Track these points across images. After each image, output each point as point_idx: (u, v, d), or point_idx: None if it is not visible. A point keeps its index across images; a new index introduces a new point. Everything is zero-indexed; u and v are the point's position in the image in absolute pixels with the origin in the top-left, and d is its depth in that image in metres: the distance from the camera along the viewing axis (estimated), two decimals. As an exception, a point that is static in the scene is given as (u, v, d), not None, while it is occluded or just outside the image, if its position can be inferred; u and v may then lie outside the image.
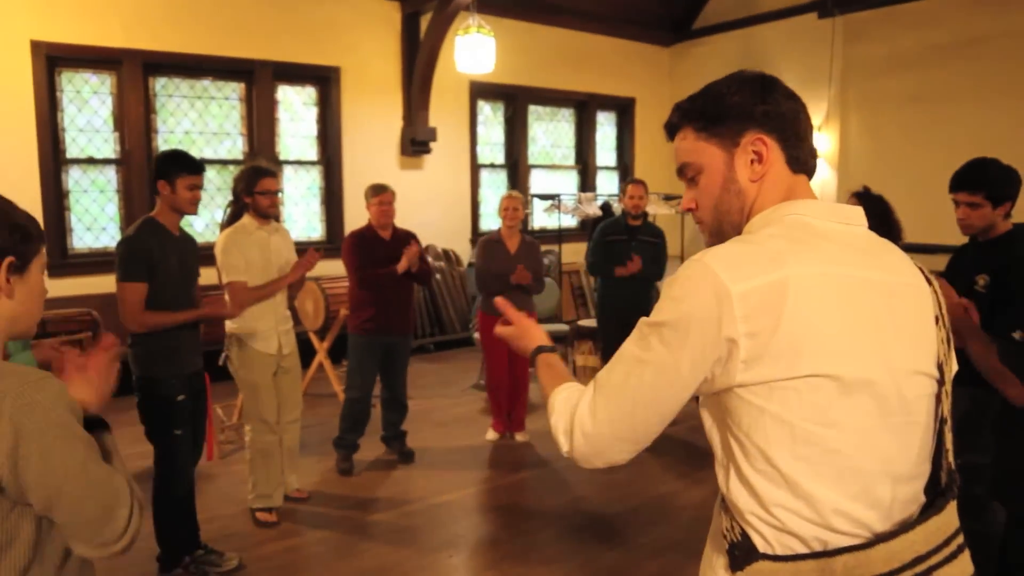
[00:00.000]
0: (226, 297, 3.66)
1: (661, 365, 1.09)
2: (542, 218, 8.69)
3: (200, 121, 6.65)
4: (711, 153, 1.21)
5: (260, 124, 6.85)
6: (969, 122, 6.74)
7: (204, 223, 6.58)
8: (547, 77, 8.68)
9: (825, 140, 7.98)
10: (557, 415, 1.24)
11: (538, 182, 9.02)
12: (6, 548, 1.19)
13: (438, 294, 7.74)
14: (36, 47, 5.66)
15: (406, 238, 4.57)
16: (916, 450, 1.11)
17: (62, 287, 5.56)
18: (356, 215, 6.38)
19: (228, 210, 3.85)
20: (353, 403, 4.50)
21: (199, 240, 3.71)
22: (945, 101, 7.02)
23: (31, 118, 5.69)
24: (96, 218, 6.19)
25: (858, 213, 1.18)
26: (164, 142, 6.43)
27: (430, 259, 7.74)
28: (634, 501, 4.08)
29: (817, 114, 7.97)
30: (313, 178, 7.35)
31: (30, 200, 5.32)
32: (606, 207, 8.15)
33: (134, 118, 6.18)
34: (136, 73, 6.14)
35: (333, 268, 6.04)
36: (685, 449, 4.87)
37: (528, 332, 1.51)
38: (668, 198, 8.47)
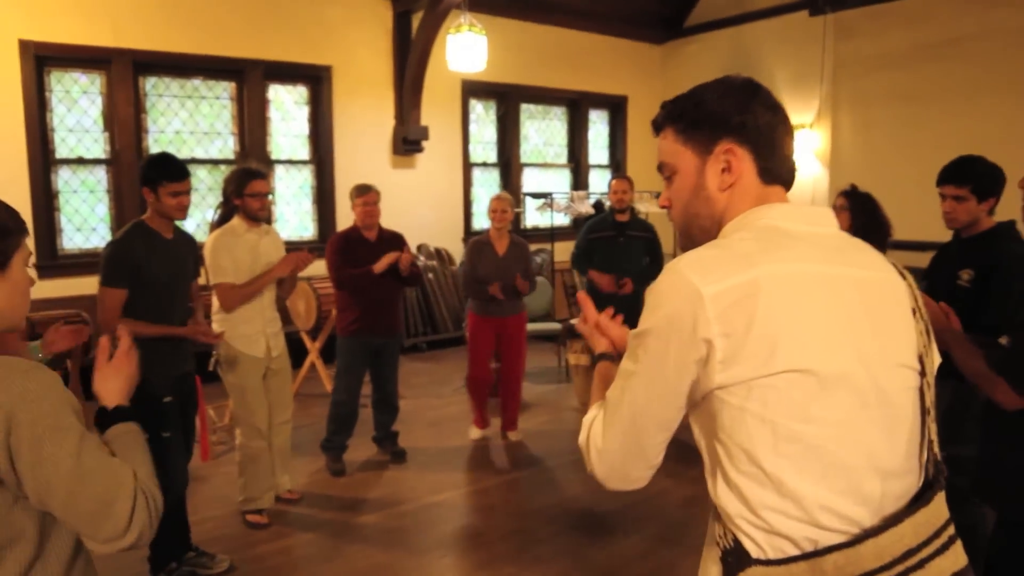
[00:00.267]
0: (214, 298, 3.65)
1: (649, 375, 1.11)
2: (534, 216, 8.68)
3: (191, 121, 6.62)
4: (686, 157, 1.23)
5: (251, 123, 6.83)
6: (959, 120, 6.76)
7: (196, 223, 6.56)
8: (539, 75, 8.68)
9: (816, 137, 7.99)
10: (582, 432, 1.25)
11: (530, 180, 9.02)
12: (9, 545, 1.18)
13: (431, 293, 7.73)
14: (24, 46, 5.63)
15: (392, 239, 4.54)
16: (903, 444, 1.12)
17: (52, 288, 5.54)
18: (348, 215, 6.33)
19: (218, 211, 3.82)
20: (338, 406, 4.48)
21: (195, 240, 3.68)
22: (935, 99, 7.04)
23: (20, 118, 5.66)
24: (86, 218, 6.16)
25: (827, 215, 1.20)
26: (154, 142, 6.41)
27: (423, 258, 7.73)
28: (625, 500, 4.08)
29: (808, 111, 7.99)
30: (305, 177, 7.34)
31: (19, 201, 5.29)
32: (598, 205, 8.14)
33: (124, 118, 6.15)
34: (126, 72, 6.11)
35: (325, 268, 6.02)
36: (675, 447, 4.85)
37: (595, 335, 1.51)
38: (659, 195, 8.48)
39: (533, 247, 5.06)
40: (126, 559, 3.21)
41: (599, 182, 9.70)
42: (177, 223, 3.27)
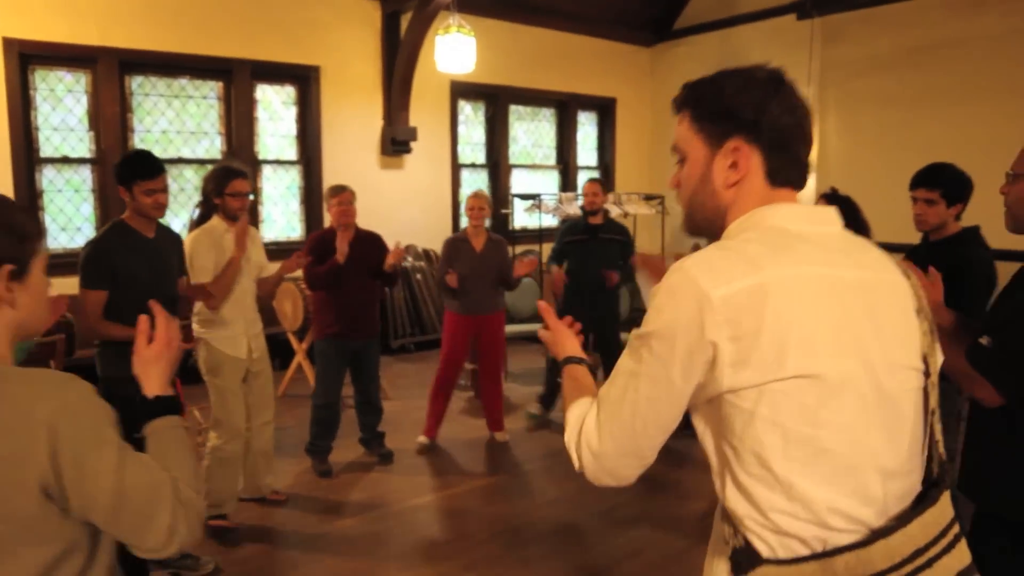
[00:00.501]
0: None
1: (654, 377, 1.10)
2: (523, 218, 8.68)
3: (177, 120, 6.58)
4: (696, 146, 1.22)
5: (239, 123, 6.80)
6: (944, 124, 6.81)
7: (182, 223, 6.51)
8: (528, 77, 8.68)
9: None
10: (568, 430, 1.25)
11: (519, 182, 9.02)
12: (65, 557, 1.15)
13: (418, 294, 7.71)
14: (8, 44, 5.58)
15: (369, 240, 4.49)
16: (905, 444, 1.12)
17: (36, 288, 5.48)
18: (336, 215, 6.35)
19: (197, 210, 3.76)
20: (319, 409, 4.45)
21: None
22: (921, 102, 7.10)
23: (3, 116, 5.61)
24: (71, 218, 6.11)
25: (832, 214, 1.20)
26: (140, 141, 6.36)
27: (411, 259, 7.71)
28: (608, 503, 4.08)
29: (796, 115, 8.01)
30: (292, 178, 7.31)
31: (3, 200, 5.23)
32: (586, 207, 8.14)
33: (110, 117, 6.11)
34: (112, 71, 6.07)
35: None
36: (665, 446, 4.89)
37: (562, 341, 1.52)
38: (649, 198, 8.51)
39: (521, 248, 5.02)
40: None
41: (587, 184, 9.71)
42: (162, 221, 3.24)
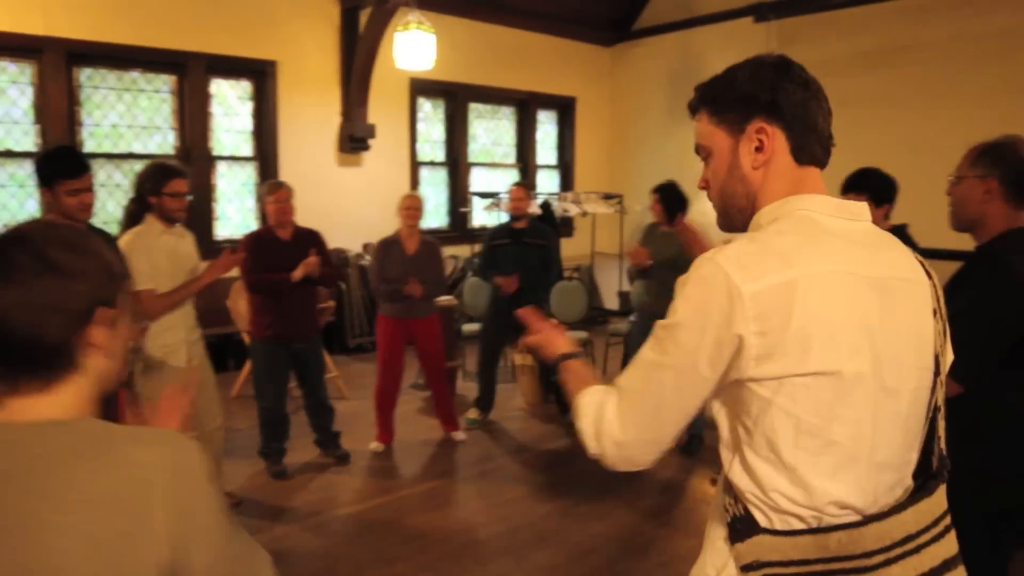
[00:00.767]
0: None
1: (680, 367, 1.13)
2: (482, 216, 8.66)
3: (128, 114, 6.42)
4: (720, 138, 1.25)
5: (192, 118, 6.65)
6: (894, 125, 6.97)
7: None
8: (488, 75, 8.65)
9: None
10: (583, 419, 1.26)
11: (478, 180, 8.99)
12: None
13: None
14: (-51, 33, 5.38)
15: (308, 238, 4.36)
16: (900, 440, 1.17)
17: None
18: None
19: (128, 208, 3.47)
20: (266, 412, 4.34)
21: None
22: (872, 105, 7.24)
23: (-56, 108, 5.41)
24: (15, 215, 5.92)
25: (862, 209, 1.22)
26: (89, 135, 6.20)
27: (368, 258, 7.63)
28: (567, 500, 4.09)
29: (752, 116, 8.12)
30: (248, 174, 7.18)
31: (-58, 195, 5.04)
32: (546, 206, 8.16)
33: (57, 110, 5.92)
34: (59, 63, 5.89)
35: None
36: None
37: (552, 341, 1.52)
38: (608, 197, 8.54)
39: (440, 250, 4.97)
40: None
41: (547, 182, 9.74)
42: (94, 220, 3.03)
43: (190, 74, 6.57)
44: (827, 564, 1.10)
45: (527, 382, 5.91)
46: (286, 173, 7.09)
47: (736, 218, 1.27)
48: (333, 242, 7.19)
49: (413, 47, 6.23)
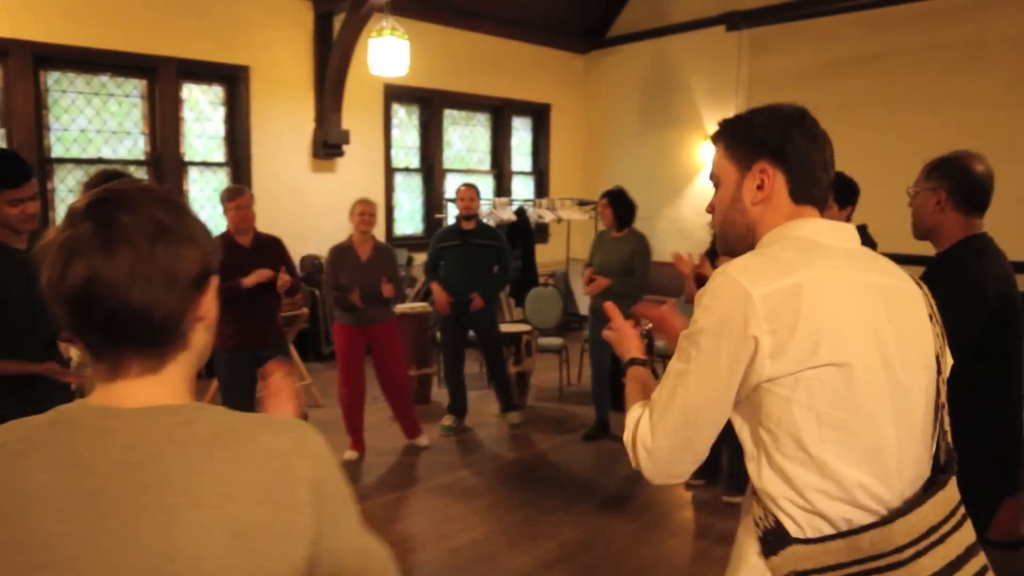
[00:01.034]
0: None
1: (702, 372, 1.22)
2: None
3: (97, 119, 6.33)
4: (729, 171, 1.39)
5: (163, 123, 6.57)
6: (863, 132, 7.07)
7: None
8: (463, 81, 8.65)
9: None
10: (626, 432, 1.34)
11: (453, 186, 8.95)
12: None
13: (351, 299, 7.59)
14: (-88, 36, 5.27)
15: (270, 244, 4.29)
16: (918, 435, 1.25)
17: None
18: (264, 218, 6.18)
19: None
20: None
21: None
22: (842, 113, 7.32)
23: (-94, 112, 5.29)
24: (-20, 220, 5.80)
25: (852, 231, 1.33)
26: (57, 140, 6.10)
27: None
28: (540, 507, 4.09)
29: (725, 124, 8.20)
30: (220, 180, 7.10)
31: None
32: (521, 212, 8.17)
33: (23, 114, 5.83)
34: (25, 65, 5.79)
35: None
36: (598, 451, 4.93)
37: (626, 341, 1.60)
38: (582, 203, 8.58)
39: (395, 256, 4.97)
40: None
41: (522, 189, 9.75)
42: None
43: (161, 78, 6.49)
44: (863, 564, 1.16)
45: (502, 388, 5.90)
46: (259, 179, 7.04)
47: (735, 243, 1.40)
48: (306, 249, 7.16)
49: (387, 53, 6.21)
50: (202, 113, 6.96)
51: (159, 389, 0.91)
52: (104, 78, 6.33)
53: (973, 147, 2.34)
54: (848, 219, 3.21)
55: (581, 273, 5.31)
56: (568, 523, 3.92)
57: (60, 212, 5.99)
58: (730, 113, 1.49)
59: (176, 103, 6.66)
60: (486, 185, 9.34)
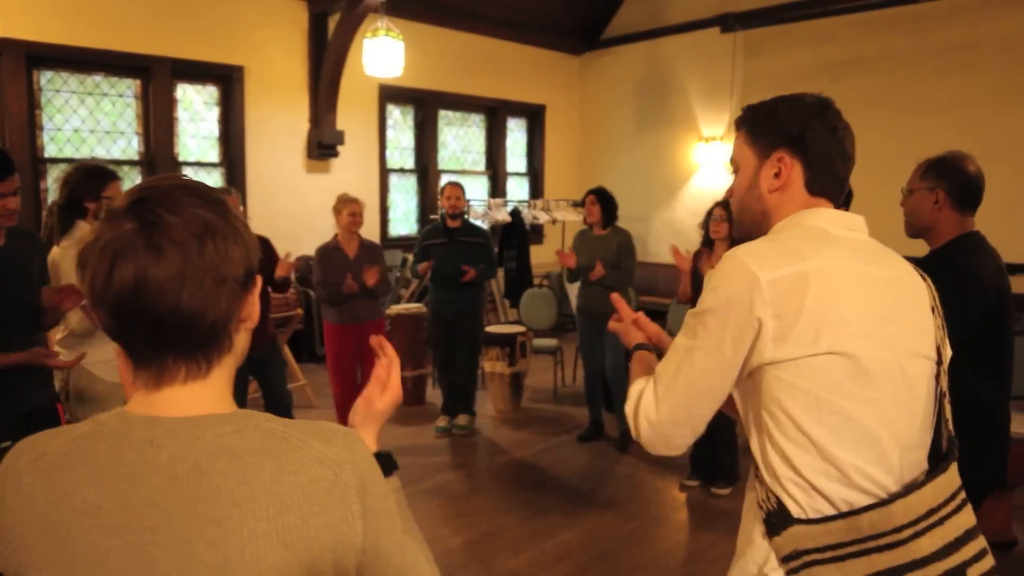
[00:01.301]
0: (72, 317, 2.91)
1: (708, 348, 1.25)
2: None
3: (91, 119, 6.31)
4: (748, 157, 1.42)
5: (157, 123, 6.55)
6: (857, 134, 7.04)
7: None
8: (458, 82, 8.65)
9: (727, 149, 8.24)
10: (628, 403, 1.37)
11: (449, 187, 8.97)
12: None
13: (346, 300, 7.58)
14: (-96, 35, 5.25)
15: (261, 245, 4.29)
16: (919, 422, 1.28)
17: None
18: (259, 219, 6.18)
19: (58, 215, 3.03)
20: None
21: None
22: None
23: (-102, 111, 5.27)
24: (-27, 220, 5.78)
25: (861, 222, 1.36)
26: (50, 139, 6.08)
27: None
28: (537, 507, 4.09)
29: (719, 124, 8.23)
30: (214, 180, 7.08)
31: None
32: (516, 213, 8.17)
33: (16, 114, 5.80)
34: (18, 65, 5.76)
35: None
36: (593, 452, 4.93)
37: (633, 330, 1.63)
38: (577, 204, 8.57)
39: (382, 252, 4.99)
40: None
41: (517, 190, 9.75)
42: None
43: (155, 78, 6.48)
44: (862, 544, 1.19)
45: (497, 389, 5.91)
46: (253, 179, 7.03)
47: (750, 229, 1.42)
48: (301, 249, 7.14)
49: (382, 54, 6.21)
50: (196, 113, 6.94)
51: (205, 395, 0.88)
52: (98, 78, 6.31)
53: (965, 148, 2.38)
54: None
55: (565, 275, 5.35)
56: (563, 524, 3.92)
57: (53, 212, 5.96)
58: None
59: (170, 103, 6.64)
60: (481, 186, 9.34)
